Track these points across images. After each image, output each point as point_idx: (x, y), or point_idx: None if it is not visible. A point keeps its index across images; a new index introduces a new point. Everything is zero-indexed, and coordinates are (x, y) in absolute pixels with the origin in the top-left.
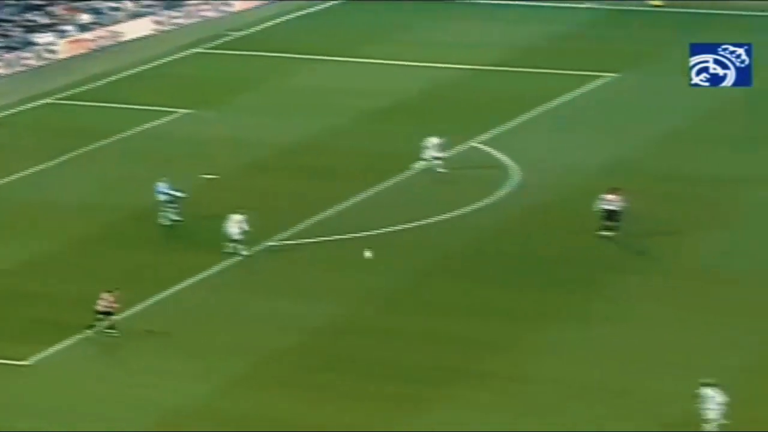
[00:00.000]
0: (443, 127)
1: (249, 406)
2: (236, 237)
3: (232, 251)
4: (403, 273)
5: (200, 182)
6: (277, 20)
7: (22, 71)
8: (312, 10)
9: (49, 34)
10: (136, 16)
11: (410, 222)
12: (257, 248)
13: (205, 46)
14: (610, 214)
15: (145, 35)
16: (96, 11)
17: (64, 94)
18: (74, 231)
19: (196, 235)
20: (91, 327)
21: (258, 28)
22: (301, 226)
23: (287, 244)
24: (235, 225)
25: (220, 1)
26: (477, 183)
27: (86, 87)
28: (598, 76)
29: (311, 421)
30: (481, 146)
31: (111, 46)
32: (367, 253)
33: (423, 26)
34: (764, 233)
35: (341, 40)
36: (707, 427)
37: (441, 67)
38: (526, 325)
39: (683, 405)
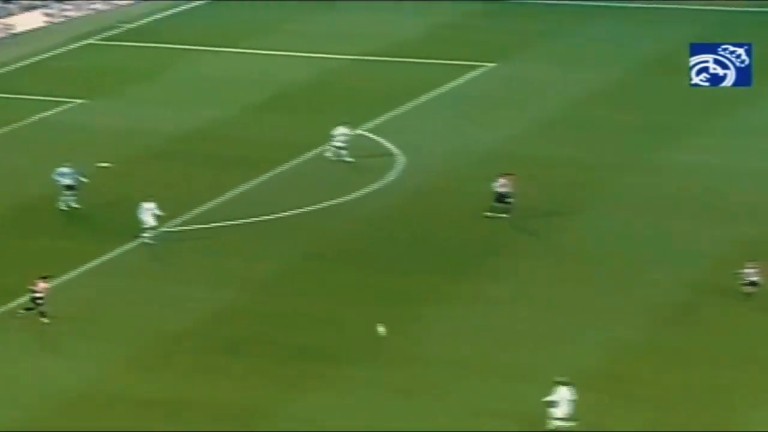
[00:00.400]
0: (329, 116)
1: (145, 389)
2: (150, 224)
3: (148, 239)
4: (294, 258)
5: (95, 170)
6: (167, 12)
7: None
8: (202, 2)
9: None
10: (27, 9)
11: (299, 208)
12: (153, 234)
13: (97, 38)
14: (501, 197)
15: (37, 27)
16: None
17: None
18: None
19: (92, 221)
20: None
21: (149, 19)
22: (194, 213)
23: (182, 231)
24: (148, 212)
25: None
26: (365, 169)
27: None
28: (478, 66)
29: (208, 403)
30: (367, 134)
31: (3, 38)
32: (381, 329)
33: (308, 18)
34: (633, 216)
35: (230, 31)
36: (556, 425)
37: (326, 58)
38: (415, 308)
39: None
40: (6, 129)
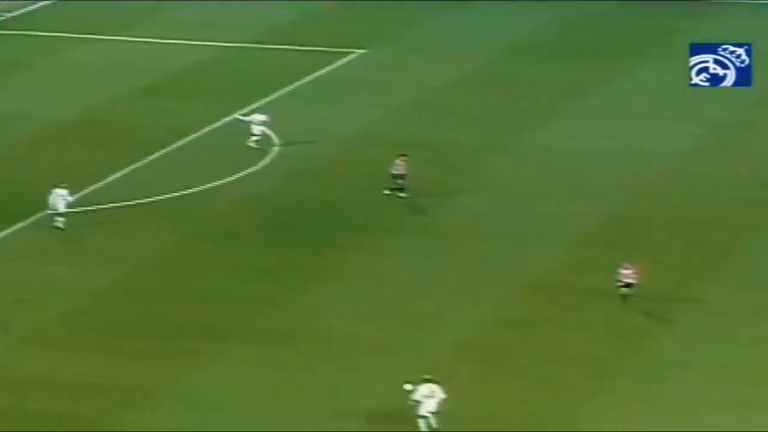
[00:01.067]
0: (208, 102)
1: (34, 368)
2: (62, 210)
3: (57, 225)
4: (175, 238)
5: None
6: (47, 2)
7: None
8: None
9: None
10: None
11: (181, 190)
12: (36, 218)
13: None
14: (398, 178)
15: None
16: None
17: None
18: None
19: None
20: None
21: (29, 8)
22: (78, 195)
23: (67, 213)
24: (60, 198)
25: None
26: (243, 153)
27: None
28: (348, 53)
29: (97, 383)
30: (244, 119)
31: None
32: (407, 386)
33: (184, 7)
34: (503, 197)
35: (108, 20)
36: (421, 424)
37: (202, 45)
38: (295, 285)
39: (439, 356)
40: None
